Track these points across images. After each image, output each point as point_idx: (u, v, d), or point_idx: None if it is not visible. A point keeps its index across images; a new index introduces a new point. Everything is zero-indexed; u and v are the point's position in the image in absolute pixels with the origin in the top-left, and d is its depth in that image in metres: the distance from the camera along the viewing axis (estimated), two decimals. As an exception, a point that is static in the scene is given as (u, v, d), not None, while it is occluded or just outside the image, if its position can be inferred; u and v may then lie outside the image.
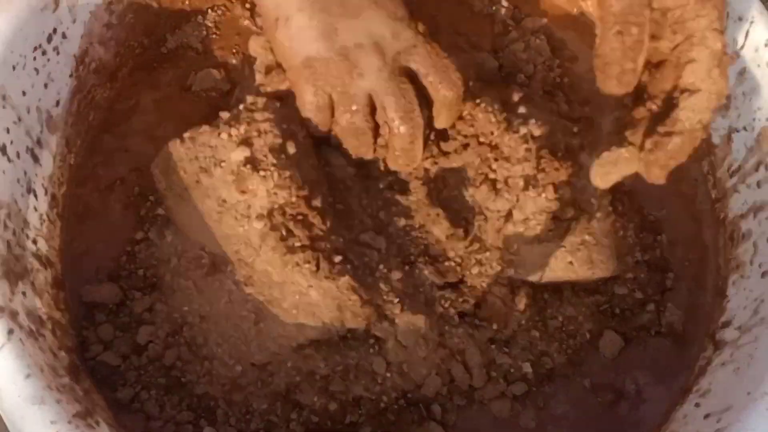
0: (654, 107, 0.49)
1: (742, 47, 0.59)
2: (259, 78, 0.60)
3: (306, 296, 0.53)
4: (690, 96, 0.47)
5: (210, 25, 0.67)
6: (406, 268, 0.57)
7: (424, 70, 0.55)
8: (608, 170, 0.49)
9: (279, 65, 0.59)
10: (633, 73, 0.48)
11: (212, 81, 0.65)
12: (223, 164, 0.55)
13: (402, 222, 0.59)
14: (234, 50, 0.66)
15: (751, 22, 0.58)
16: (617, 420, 0.55)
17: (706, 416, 0.51)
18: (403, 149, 0.56)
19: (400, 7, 0.56)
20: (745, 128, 0.59)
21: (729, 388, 0.51)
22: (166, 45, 0.67)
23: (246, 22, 0.67)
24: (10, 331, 0.46)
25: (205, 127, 0.57)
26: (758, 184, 0.58)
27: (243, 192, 0.55)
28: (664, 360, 0.58)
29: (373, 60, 0.54)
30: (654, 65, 0.49)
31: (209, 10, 0.68)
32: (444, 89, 0.56)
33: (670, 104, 0.48)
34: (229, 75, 0.65)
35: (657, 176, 0.48)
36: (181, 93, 0.65)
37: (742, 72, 0.59)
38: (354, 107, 0.55)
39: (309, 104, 0.57)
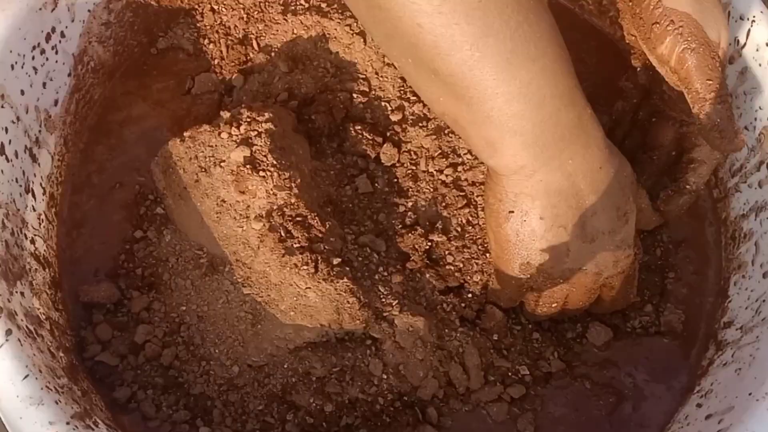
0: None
1: (744, 46, 0.59)
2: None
3: (304, 298, 0.53)
4: (698, 166, 0.57)
5: (200, 26, 0.67)
6: (407, 271, 0.57)
7: (614, 286, 0.56)
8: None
9: None
10: (741, 132, 0.53)
11: (211, 84, 0.64)
12: (222, 164, 0.55)
13: (402, 225, 0.59)
14: (225, 52, 0.66)
15: (753, 22, 0.58)
16: (617, 421, 0.55)
17: (708, 417, 0.50)
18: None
19: (631, 227, 0.54)
20: (746, 128, 0.59)
21: (731, 388, 0.51)
22: (156, 46, 0.67)
23: (235, 24, 0.66)
24: (8, 332, 0.46)
25: (206, 127, 0.57)
26: (760, 184, 0.58)
27: (242, 192, 0.54)
28: (663, 358, 0.58)
29: (588, 282, 0.54)
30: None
31: (200, 12, 0.67)
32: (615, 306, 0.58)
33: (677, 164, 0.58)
34: (224, 77, 0.65)
35: (657, 222, 0.59)
36: (179, 96, 0.64)
37: (743, 71, 0.59)
38: (553, 305, 0.56)
39: (505, 297, 0.56)
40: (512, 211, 0.51)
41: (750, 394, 0.48)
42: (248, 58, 0.65)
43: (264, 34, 0.65)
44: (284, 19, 0.64)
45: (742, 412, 0.48)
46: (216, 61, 0.65)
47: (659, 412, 0.55)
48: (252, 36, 0.65)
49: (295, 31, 0.64)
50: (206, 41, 0.66)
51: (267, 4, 0.66)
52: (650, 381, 0.57)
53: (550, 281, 0.54)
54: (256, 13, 0.66)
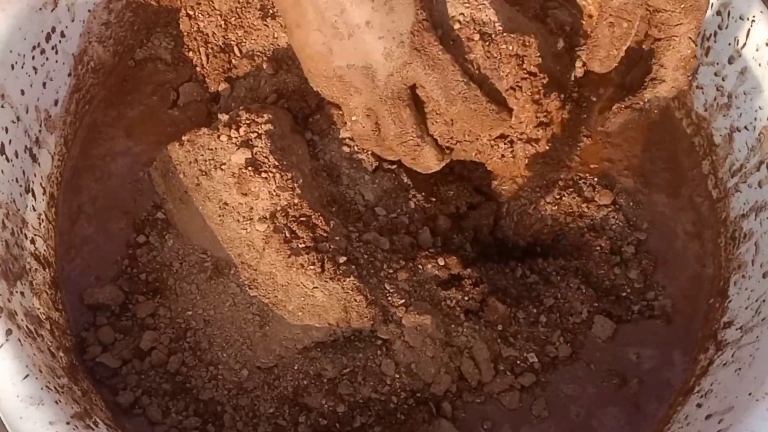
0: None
1: (744, 46, 0.59)
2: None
3: (311, 298, 0.53)
4: (657, 84, 0.58)
5: (177, 35, 0.66)
6: (410, 265, 0.57)
7: (426, 86, 0.55)
8: None
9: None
10: (614, 59, 0.58)
11: (197, 93, 0.64)
12: (223, 167, 0.55)
13: (406, 220, 0.59)
14: (206, 61, 0.65)
15: (753, 21, 0.58)
16: (624, 397, 0.56)
17: (708, 417, 0.50)
18: (410, 162, 0.58)
19: (400, 15, 0.53)
20: (746, 127, 0.59)
21: (731, 388, 0.51)
22: (134, 57, 0.66)
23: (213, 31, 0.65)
24: (8, 332, 0.46)
25: (204, 130, 0.57)
26: (760, 184, 0.58)
27: (245, 194, 0.54)
28: (664, 339, 0.58)
29: (366, 81, 0.55)
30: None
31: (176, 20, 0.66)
32: (447, 106, 0.55)
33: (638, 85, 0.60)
34: (208, 86, 0.64)
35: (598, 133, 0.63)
36: (166, 106, 0.64)
37: (743, 71, 0.59)
38: (353, 118, 0.57)
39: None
40: (286, 26, 0.56)
41: (750, 394, 0.48)
42: (232, 65, 0.64)
43: (245, 40, 0.64)
44: (264, 24, 0.63)
45: (742, 412, 0.48)
46: (198, 69, 0.65)
47: (664, 386, 0.56)
48: (233, 43, 0.64)
49: (276, 35, 0.63)
50: (185, 50, 0.65)
51: (244, 9, 0.64)
52: (654, 359, 0.57)
53: (333, 85, 0.55)
54: (233, 19, 0.64)
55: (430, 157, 0.57)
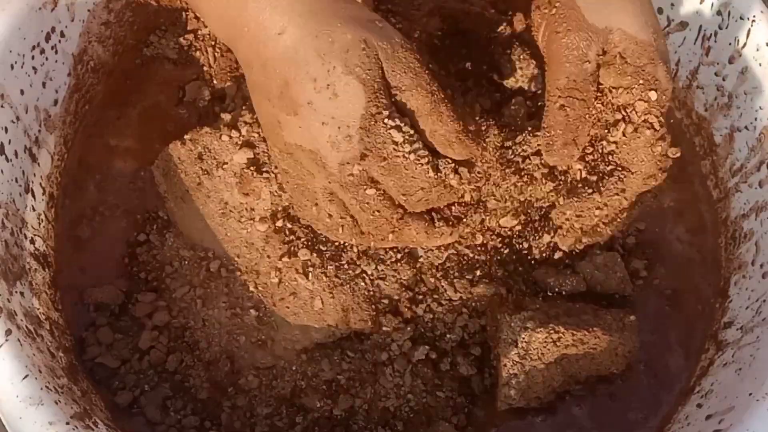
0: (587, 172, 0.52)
1: (744, 46, 0.59)
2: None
3: (310, 299, 0.53)
4: (627, 176, 0.50)
5: (184, 34, 0.66)
6: (413, 270, 0.56)
7: (383, 187, 0.49)
8: None
9: None
10: (575, 146, 0.50)
11: (203, 91, 0.64)
12: (225, 166, 0.55)
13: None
14: (213, 61, 0.65)
15: (753, 21, 0.58)
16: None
17: (708, 417, 0.50)
18: (405, 244, 0.53)
19: (345, 104, 0.46)
20: (746, 127, 0.59)
21: (731, 388, 0.51)
22: (141, 56, 0.65)
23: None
24: (8, 332, 0.46)
25: (206, 129, 0.57)
26: (760, 184, 0.58)
27: (246, 194, 0.54)
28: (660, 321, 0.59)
29: (316, 167, 0.48)
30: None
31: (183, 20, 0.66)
32: (411, 209, 0.50)
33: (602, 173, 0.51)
34: (214, 86, 0.64)
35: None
36: (171, 104, 0.64)
37: (744, 71, 0.59)
38: (317, 205, 0.50)
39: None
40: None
41: (750, 394, 0.48)
42: (238, 65, 0.64)
43: None
44: None
45: (742, 412, 0.48)
46: (205, 69, 0.65)
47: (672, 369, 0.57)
48: None
49: None
50: (193, 49, 0.65)
51: None
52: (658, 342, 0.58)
53: (283, 163, 0.49)
54: None
55: (419, 234, 0.50)
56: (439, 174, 0.48)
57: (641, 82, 0.49)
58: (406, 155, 0.47)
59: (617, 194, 0.51)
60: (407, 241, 0.51)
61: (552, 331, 0.51)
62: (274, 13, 0.47)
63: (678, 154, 0.51)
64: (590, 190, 0.51)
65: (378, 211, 0.48)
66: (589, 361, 0.52)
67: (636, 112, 0.50)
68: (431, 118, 0.48)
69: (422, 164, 0.47)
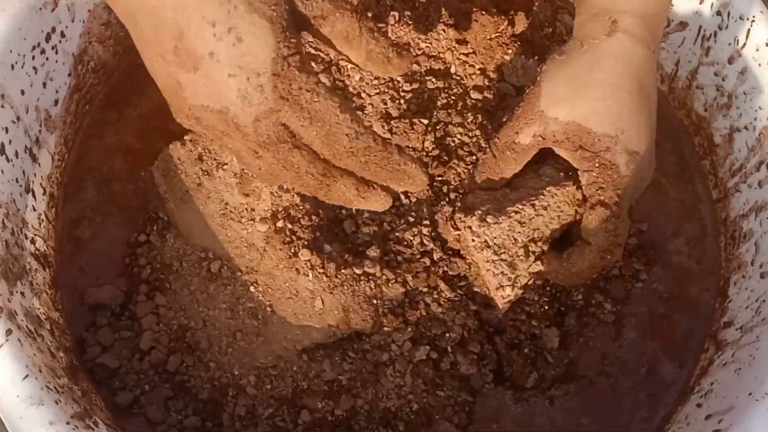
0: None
1: (744, 46, 0.59)
2: None
3: (311, 299, 0.53)
4: (584, 247, 0.52)
5: None
6: (413, 270, 0.56)
7: (304, 138, 0.45)
8: None
9: None
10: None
11: None
12: (225, 167, 0.55)
13: (404, 225, 0.59)
14: None
15: (753, 21, 0.58)
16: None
17: (708, 417, 0.50)
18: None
19: (252, 48, 0.41)
20: (746, 128, 0.59)
21: (731, 388, 0.51)
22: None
23: None
24: (8, 332, 0.46)
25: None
26: (760, 184, 0.58)
27: (246, 195, 0.54)
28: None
29: (228, 128, 0.44)
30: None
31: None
32: (335, 161, 0.47)
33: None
34: None
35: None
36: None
37: (743, 71, 0.59)
38: (244, 164, 0.47)
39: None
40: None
41: (750, 394, 0.48)
42: None
43: None
44: None
45: (742, 412, 0.48)
46: None
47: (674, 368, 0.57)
48: None
49: None
50: None
51: None
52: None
53: (196, 127, 0.45)
54: None
55: (348, 191, 0.47)
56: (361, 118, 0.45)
57: (597, 166, 0.50)
58: (327, 98, 0.42)
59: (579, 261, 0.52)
60: (337, 200, 0.47)
61: (513, 213, 0.51)
62: None
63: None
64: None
65: (301, 168, 0.44)
66: (557, 216, 0.53)
67: (592, 191, 0.51)
68: (364, 38, 0.44)
69: (346, 107, 0.43)
